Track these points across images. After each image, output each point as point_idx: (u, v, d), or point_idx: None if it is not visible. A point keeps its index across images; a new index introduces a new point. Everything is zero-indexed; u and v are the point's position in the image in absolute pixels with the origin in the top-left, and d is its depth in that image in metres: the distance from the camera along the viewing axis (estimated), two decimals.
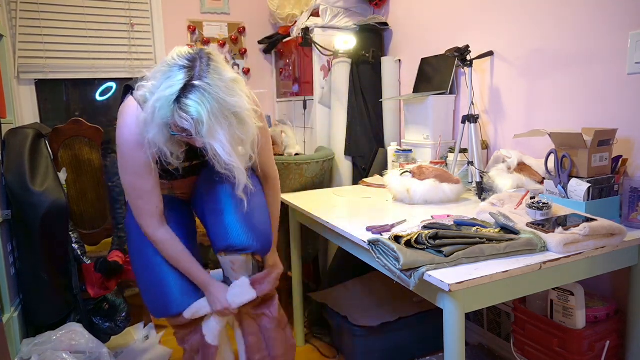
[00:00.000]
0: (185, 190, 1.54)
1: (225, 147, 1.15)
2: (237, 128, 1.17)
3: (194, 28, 3.10)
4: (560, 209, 1.37)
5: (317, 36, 2.56)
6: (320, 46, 2.56)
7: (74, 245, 2.03)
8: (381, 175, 2.37)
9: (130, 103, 1.28)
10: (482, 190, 1.77)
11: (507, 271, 1.07)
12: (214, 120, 1.12)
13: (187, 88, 1.12)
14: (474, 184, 1.84)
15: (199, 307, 1.42)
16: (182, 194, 1.55)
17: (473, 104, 1.91)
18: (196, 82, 1.12)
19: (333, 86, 2.54)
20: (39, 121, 2.80)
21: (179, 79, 1.13)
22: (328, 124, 2.63)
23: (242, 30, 3.21)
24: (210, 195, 1.44)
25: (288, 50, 2.98)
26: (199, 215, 1.53)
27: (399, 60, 2.56)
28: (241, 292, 1.41)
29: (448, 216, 1.48)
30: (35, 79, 2.79)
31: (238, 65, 3.26)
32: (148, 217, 1.35)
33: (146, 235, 1.38)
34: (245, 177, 1.26)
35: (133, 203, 1.36)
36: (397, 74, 2.57)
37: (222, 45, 3.18)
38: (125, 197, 1.40)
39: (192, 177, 1.50)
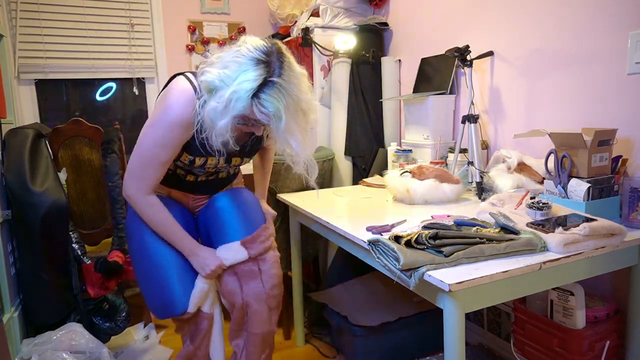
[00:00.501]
0: (202, 195, 1.55)
1: (298, 140, 1.24)
2: (305, 121, 1.26)
3: (194, 28, 3.10)
4: (560, 209, 1.37)
5: (317, 36, 2.56)
6: (320, 46, 2.56)
7: (74, 245, 2.03)
8: (381, 175, 2.37)
9: (185, 85, 1.28)
10: (482, 190, 1.77)
11: (507, 271, 1.07)
12: (290, 116, 1.19)
13: (265, 84, 1.15)
14: (474, 184, 1.84)
15: (198, 291, 1.42)
16: (196, 200, 1.56)
17: (473, 104, 1.91)
18: (275, 79, 1.16)
19: (333, 86, 2.54)
20: (39, 121, 2.80)
21: (258, 74, 1.15)
22: (328, 124, 2.63)
23: (242, 30, 3.21)
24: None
25: None
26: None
27: (399, 60, 2.56)
28: (232, 254, 1.44)
29: (448, 216, 1.48)
30: (35, 79, 2.79)
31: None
32: (146, 183, 1.35)
33: (136, 201, 1.37)
34: (315, 165, 1.38)
35: (138, 168, 1.35)
36: (397, 74, 2.57)
37: (222, 45, 3.19)
38: (130, 165, 1.37)
39: (211, 179, 1.52)
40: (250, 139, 1.44)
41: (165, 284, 1.41)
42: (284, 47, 1.23)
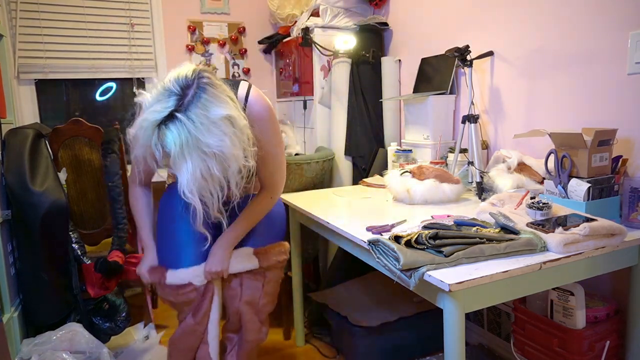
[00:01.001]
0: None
1: (188, 181, 1.16)
2: (212, 165, 1.16)
3: (194, 28, 3.10)
4: (560, 209, 1.37)
5: (317, 36, 2.56)
6: (320, 46, 2.56)
7: (74, 245, 2.03)
8: (381, 175, 2.37)
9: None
10: (482, 190, 1.77)
11: (507, 271, 1.07)
12: (183, 154, 1.13)
13: (170, 116, 1.13)
14: (474, 184, 1.84)
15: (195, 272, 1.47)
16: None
17: (473, 104, 1.91)
18: (178, 114, 1.13)
19: (333, 86, 2.54)
20: (39, 121, 2.80)
21: (167, 106, 1.14)
22: (328, 124, 2.63)
23: (242, 30, 3.21)
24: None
25: (288, 50, 2.98)
26: None
27: (399, 60, 2.56)
28: (242, 259, 1.49)
29: (448, 216, 1.48)
30: (35, 79, 2.79)
31: (238, 65, 3.27)
32: (134, 177, 1.52)
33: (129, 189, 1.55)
34: (207, 210, 1.26)
35: (132, 167, 1.51)
36: (397, 74, 2.57)
37: (222, 45, 3.19)
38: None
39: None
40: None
41: (178, 243, 1.48)
42: (216, 83, 1.19)
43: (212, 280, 1.48)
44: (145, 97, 1.20)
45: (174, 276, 1.46)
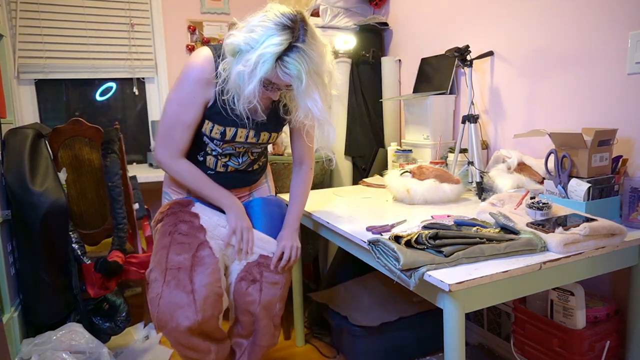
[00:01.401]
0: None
1: (318, 104, 1.29)
2: (324, 90, 1.31)
3: (194, 28, 3.10)
4: (560, 209, 1.37)
5: None
6: None
7: (74, 245, 2.03)
8: (381, 175, 2.37)
9: (203, 50, 1.38)
10: (482, 190, 1.77)
11: (507, 271, 1.07)
12: (311, 80, 1.25)
13: (290, 48, 1.21)
14: (474, 184, 1.84)
15: (216, 220, 1.48)
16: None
17: (473, 104, 1.91)
18: (298, 44, 1.22)
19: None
20: (39, 121, 2.80)
21: (284, 38, 1.20)
22: None
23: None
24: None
25: None
26: None
27: (399, 60, 2.56)
28: (267, 243, 1.53)
29: (448, 216, 1.48)
30: (35, 79, 2.79)
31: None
32: (173, 147, 1.43)
33: (167, 167, 1.46)
34: (333, 129, 1.42)
35: (165, 132, 1.42)
36: (397, 74, 2.57)
37: None
38: (157, 133, 1.46)
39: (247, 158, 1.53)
40: (274, 108, 1.47)
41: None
42: (307, 16, 1.28)
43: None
44: (238, 38, 1.24)
45: (205, 210, 1.48)
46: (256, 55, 1.20)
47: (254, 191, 1.68)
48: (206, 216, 1.49)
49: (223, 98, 1.35)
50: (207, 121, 1.42)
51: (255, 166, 1.61)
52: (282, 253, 1.51)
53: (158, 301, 1.34)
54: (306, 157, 1.62)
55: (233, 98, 1.33)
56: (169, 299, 1.33)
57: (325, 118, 1.35)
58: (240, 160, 1.54)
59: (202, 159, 1.50)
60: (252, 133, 1.45)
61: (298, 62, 1.22)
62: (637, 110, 1.47)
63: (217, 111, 1.39)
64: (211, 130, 1.42)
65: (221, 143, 1.45)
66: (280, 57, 1.21)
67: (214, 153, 1.49)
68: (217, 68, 1.33)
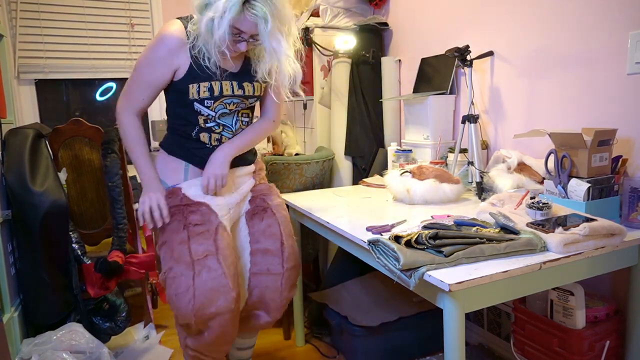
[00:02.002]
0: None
1: (282, 43, 1.40)
2: (287, 38, 1.42)
3: None
4: (560, 209, 1.37)
5: (317, 36, 2.56)
6: (320, 46, 2.56)
7: (74, 245, 2.03)
8: (381, 175, 2.37)
9: (175, 19, 1.48)
10: (482, 190, 1.77)
11: (507, 271, 1.07)
12: (275, 21, 1.35)
13: None
14: (474, 184, 1.84)
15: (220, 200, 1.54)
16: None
17: (473, 104, 1.91)
18: None
19: (333, 86, 2.54)
20: (39, 121, 2.80)
21: None
22: (328, 124, 2.63)
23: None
24: None
25: None
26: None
27: (399, 60, 2.56)
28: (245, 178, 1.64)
29: (448, 216, 1.48)
30: (35, 79, 2.79)
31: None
32: (131, 102, 1.50)
33: (119, 119, 1.51)
34: (299, 69, 1.54)
35: (128, 87, 1.50)
36: (397, 74, 2.57)
37: None
38: (124, 87, 1.52)
39: (226, 116, 1.55)
40: (245, 63, 1.54)
41: None
42: None
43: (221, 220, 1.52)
44: None
45: (190, 187, 1.52)
46: (223, 2, 1.30)
47: (261, 195, 1.69)
48: (209, 198, 1.53)
49: (196, 54, 1.42)
50: (190, 85, 1.45)
51: (244, 118, 1.63)
52: (207, 184, 1.51)
53: (193, 293, 1.39)
54: (271, 111, 1.69)
55: (206, 52, 1.42)
56: (206, 287, 1.39)
57: (291, 56, 1.46)
58: (234, 128, 1.56)
59: (196, 136, 1.53)
60: (235, 85, 1.51)
61: (263, 4, 1.32)
62: (637, 110, 1.47)
63: (195, 72, 1.44)
64: (199, 92, 1.46)
65: (212, 102, 1.49)
66: (246, 1, 1.31)
67: (208, 124, 1.52)
68: (187, 31, 1.43)
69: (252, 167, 1.69)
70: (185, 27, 1.44)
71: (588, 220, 1.25)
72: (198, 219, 1.48)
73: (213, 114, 1.50)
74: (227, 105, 1.52)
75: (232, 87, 1.50)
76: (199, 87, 1.46)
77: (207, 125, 1.52)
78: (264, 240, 1.61)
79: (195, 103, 1.48)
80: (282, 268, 1.60)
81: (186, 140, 1.53)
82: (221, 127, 1.55)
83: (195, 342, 1.50)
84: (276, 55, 1.43)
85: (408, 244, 1.17)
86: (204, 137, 1.53)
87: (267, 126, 1.68)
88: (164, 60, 1.44)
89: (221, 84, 1.48)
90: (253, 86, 1.56)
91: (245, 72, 1.54)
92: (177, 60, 1.44)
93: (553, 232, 1.20)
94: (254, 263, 1.62)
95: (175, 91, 1.49)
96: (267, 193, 1.69)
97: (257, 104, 1.68)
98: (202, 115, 1.50)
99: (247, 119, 1.62)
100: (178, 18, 1.48)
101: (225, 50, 1.37)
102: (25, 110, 2.77)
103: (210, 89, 1.47)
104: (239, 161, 1.60)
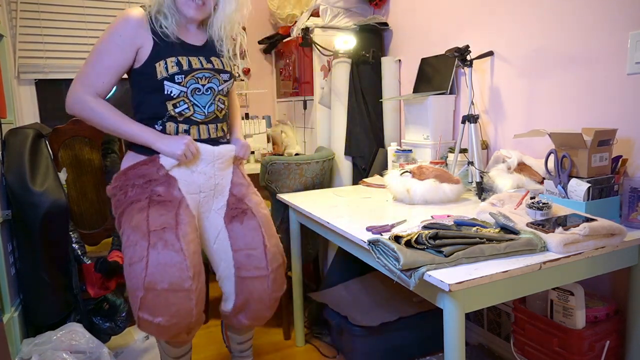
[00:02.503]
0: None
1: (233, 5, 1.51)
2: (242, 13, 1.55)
3: None
4: (560, 209, 1.37)
5: (317, 36, 2.56)
6: (320, 46, 2.56)
7: (74, 245, 2.03)
8: (381, 175, 2.37)
9: (136, 5, 1.51)
10: (482, 190, 1.77)
11: (507, 271, 1.07)
12: None
13: None
14: (474, 184, 1.84)
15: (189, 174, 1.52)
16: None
17: (473, 104, 1.91)
18: None
19: (333, 86, 2.54)
20: (39, 121, 2.80)
21: None
22: (328, 124, 2.63)
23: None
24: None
25: (288, 51, 2.98)
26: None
27: (399, 60, 2.56)
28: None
29: (448, 216, 1.48)
30: (35, 79, 2.79)
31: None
32: (87, 87, 1.44)
33: (83, 103, 1.43)
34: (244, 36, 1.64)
35: (84, 74, 1.45)
36: (397, 74, 2.57)
37: None
38: (78, 75, 1.47)
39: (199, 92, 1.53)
40: (208, 40, 1.58)
41: None
42: None
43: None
44: None
45: (167, 158, 1.48)
46: None
47: (239, 195, 1.66)
48: (177, 172, 1.50)
49: (158, 31, 1.44)
50: (157, 64, 1.44)
51: (219, 131, 1.60)
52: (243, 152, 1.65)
53: (145, 264, 1.34)
54: (233, 107, 1.78)
55: (165, 26, 1.45)
56: (158, 260, 1.35)
57: (238, 21, 1.56)
58: (206, 110, 1.53)
59: (160, 127, 1.50)
60: (203, 59, 1.51)
61: None
62: (636, 110, 1.47)
63: (159, 49, 1.44)
64: (166, 68, 1.44)
65: (183, 76, 1.46)
66: None
67: (177, 109, 1.48)
68: (147, 12, 1.46)
69: (232, 151, 1.63)
70: (145, 9, 1.47)
71: (588, 220, 1.25)
72: (162, 190, 1.45)
73: (185, 89, 1.47)
74: (199, 80, 1.49)
75: (200, 61, 1.50)
76: (165, 63, 1.44)
77: (177, 110, 1.48)
78: (246, 244, 1.59)
79: (165, 82, 1.45)
80: (267, 270, 1.59)
81: None
82: (192, 109, 1.50)
83: (149, 323, 1.39)
84: (223, 14, 1.51)
85: (408, 244, 1.17)
86: (170, 127, 1.50)
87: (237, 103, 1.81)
88: (126, 40, 1.42)
89: (188, 58, 1.47)
90: (221, 61, 1.56)
91: (211, 47, 1.56)
92: (139, 40, 1.43)
93: (553, 232, 1.20)
94: (238, 267, 1.60)
95: (142, 75, 1.46)
96: (245, 193, 1.66)
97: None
98: (172, 98, 1.46)
99: (222, 105, 1.59)
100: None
101: (179, 18, 1.45)
102: (25, 110, 2.77)
103: (179, 64, 1.45)
104: (209, 130, 1.57)
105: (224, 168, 1.62)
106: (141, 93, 1.50)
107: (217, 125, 1.59)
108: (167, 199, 1.45)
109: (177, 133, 1.50)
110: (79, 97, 1.44)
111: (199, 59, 1.50)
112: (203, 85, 1.51)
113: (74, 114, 1.47)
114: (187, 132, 1.51)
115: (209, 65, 1.52)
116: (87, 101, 1.43)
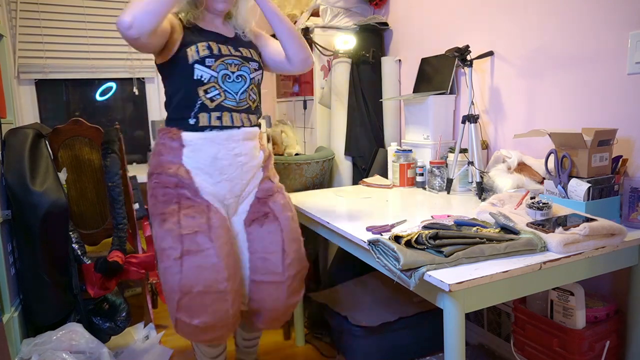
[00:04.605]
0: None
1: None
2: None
3: None
4: (560, 209, 1.37)
5: (317, 36, 2.56)
6: (320, 46, 2.56)
7: (74, 245, 2.03)
8: (381, 175, 2.37)
9: None
10: (482, 190, 1.77)
11: (507, 271, 1.07)
12: None
13: None
14: (474, 184, 1.84)
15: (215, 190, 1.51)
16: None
17: (473, 104, 1.91)
18: None
19: (333, 86, 2.54)
20: (39, 121, 2.80)
21: None
22: (328, 124, 2.63)
23: None
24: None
25: None
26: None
27: (399, 60, 2.56)
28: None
29: (448, 216, 1.48)
30: (35, 79, 2.79)
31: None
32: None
33: (132, 7, 1.26)
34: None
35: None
36: (397, 74, 2.57)
37: None
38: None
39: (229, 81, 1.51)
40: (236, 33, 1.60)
41: None
42: None
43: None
44: None
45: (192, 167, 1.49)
46: None
47: (264, 198, 1.60)
48: (200, 183, 1.48)
49: (187, 23, 1.49)
50: (188, 49, 1.44)
51: (252, 122, 1.56)
52: None
53: (180, 268, 1.37)
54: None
55: (193, 19, 1.51)
56: (193, 264, 1.37)
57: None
58: (237, 97, 1.50)
59: (194, 121, 1.46)
60: (231, 47, 1.53)
61: None
62: (637, 110, 1.47)
63: (189, 37, 1.47)
64: (197, 51, 1.45)
65: (214, 60, 1.47)
66: None
67: (208, 94, 1.45)
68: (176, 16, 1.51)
69: (256, 133, 1.56)
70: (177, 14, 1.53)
71: (588, 220, 1.25)
72: (191, 194, 1.45)
73: (215, 74, 1.46)
74: (229, 66, 1.49)
75: (229, 49, 1.52)
76: (197, 47, 1.45)
77: (208, 95, 1.46)
78: (264, 247, 1.55)
79: (196, 66, 1.44)
80: (283, 276, 1.55)
81: (184, 125, 1.47)
82: (223, 95, 1.48)
83: (186, 325, 1.42)
84: (245, 6, 1.57)
85: (408, 244, 1.17)
86: (202, 118, 1.46)
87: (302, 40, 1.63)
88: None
89: (218, 45, 1.50)
90: (249, 51, 1.57)
91: (239, 39, 1.58)
92: (170, 26, 1.44)
93: (553, 232, 1.20)
94: (253, 270, 1.57)
95: (173, 63, 1.45)
96: (272, 195, 1.60)
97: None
98: (203, 83, 1.45)
99: (254, 96, 1.57)
100: None
101: (206, 11, 1.50)
102: (25, 110, 2.77)
103: (209, 48, 1.47)
104: (242, 119, 1.52)
105: (247, 167, 1.54)
106: (173, 84, 1.49)
107: (249, 117, 1.55)
108: (196, 203, 1.45)
109: (210, 123, 1.46)
110: (127, 15, 1.25)
111: (227, 47, 1.52)
112: (233, 73, 1.50)
113: (135, 20, 1.25)
114: (219, 119, 1.47)
115: (238, 53, 1.53)
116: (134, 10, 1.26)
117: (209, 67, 1.45)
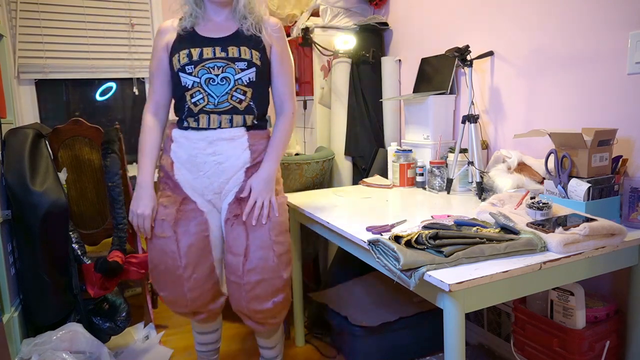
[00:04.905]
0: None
1: None
2: None
3: None
4: (560, 209, 1.37)
5: (317, 36, 2.56)
6: (320, 46, 2.56)
7: (74, 245, 2.03)
8: (381, 175, 2.37)
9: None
10: (482, 190, 1.77)
11: (507, 271, 1.07)
12: None
13: None
14: (474, 184, 1.84)
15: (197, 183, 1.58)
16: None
17: (473, 104, 1.91)
18: None
19: (333, 86, 2.54)
20: (39, 121, 2.80)
21: None
22: (328, 124, 2.63)
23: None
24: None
25: None
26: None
27: (399, 60, 2.56)
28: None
29: (448, 216, 1.48)
30: (35, 79, 2.79)
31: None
32: (148, 100, 1.63)
33: (142, 120, 1.63)
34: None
35: (149, 88, 1.66)
36: (397, 74, 2.57)
37: None
38: None
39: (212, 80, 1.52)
40: (236, 31, 1.58)
41: None
42: None
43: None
44: None
45: (180, 169, 1.58)
46: None
47: (242, 196, 1.58)
48: (180, 177, 1.58)
49: (182, 29, 1.54)
50: (174, 57, 1.52)
51: (226, 123, 1.52)
52: (254, 204, 1.53)
53: (151, 246, 1.59)
54: (286, 101, 1.64)
55: (190, 20, 1.55)
56: (157, 246, 1.56)
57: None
58: (217, 99, 1.50)
59: (186, 124, 1.55)
60: (218, 49, 1.51)
61: None
62: (637, 110, 1.47)
63: (178, 43, 1.53)
64: (179, 60, 1.51)
65: (193, 67, 1.50)
66: None
67: (194, 98, 1.51)
68: (180, 18, 1.58)
69: (239, 134, 1.54)
70: (173, 22, 1.59)
71: (588, 220, 1.25)
72: (171, 185, 1.59)
73: (197, 79, 1.50)
74: (211, 69, 1.49)
75: (214, 51, 1.51)
76: (179, 55, 1.51)
77: (193, 100, 1.52)
78: (229, 248, 1.57)
79: (180, 73, 1.52)
80: (242, 280, 1.53)
81: (183, 127, 1.58)
82: (206, 100, 1.50)
83: (158, 293, 1.64)
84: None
85: (408, 244, 1.17)
86: (191, 123, 1.54)
87: (287, 120, 1.62)
88: (159, 44, 1.57)
89: (201, 49, 1.51)
90: (239, 49, 1.52)
91: (233, 38, 1.55)
92: (166, 38, 1.56)
93: (553, 232, 1.20)
94: (226, 267, 1.62)
95: (170, 71, 1.57)
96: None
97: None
98: (188, 89, 1.52)
99: (241, 96, 1.51)
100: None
101: (209, 4, 1.53)
102: (25, 110, 2.77)
103: (189, 55, 1.50)
104: (221, 121, 1.52)
105: (224, 167, 1.54)
106: (173, 91, 1.61)
107: (231, 117, 1.53)
108: (174, 194, 1.58)
109: (189, 125, 1.55)
110: (143, 114, 1.63)
111: (213, 49, 1.51)
112: (217, 75, 1.51)
113: None
114: (196, 121, 1.53)
115: (222, 54, 1.51)
116: (144, 121, 1.62)
117: (189, 73, 1.51)
